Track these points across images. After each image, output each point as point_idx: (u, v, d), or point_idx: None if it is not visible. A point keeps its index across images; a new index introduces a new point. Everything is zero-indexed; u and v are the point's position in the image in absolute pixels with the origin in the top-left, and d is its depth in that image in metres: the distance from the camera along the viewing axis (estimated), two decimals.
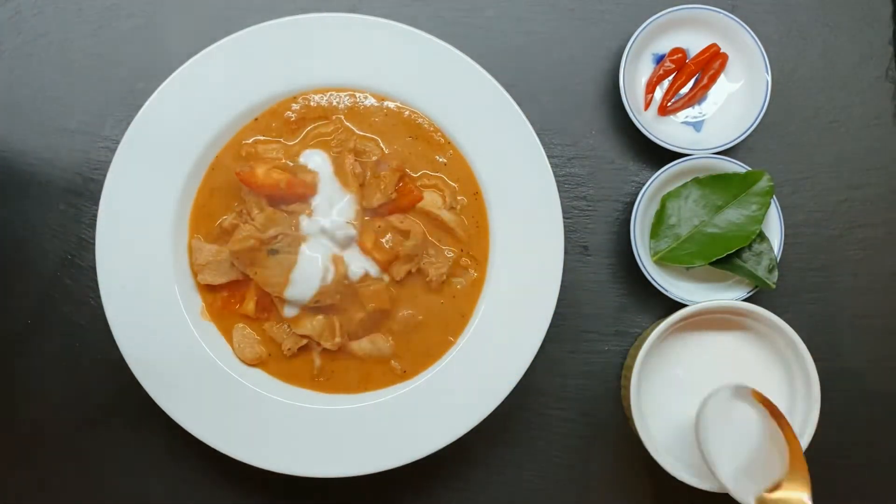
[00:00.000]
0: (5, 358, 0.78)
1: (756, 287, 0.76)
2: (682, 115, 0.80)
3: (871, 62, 0.82)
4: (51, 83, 0.80)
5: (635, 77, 0.79)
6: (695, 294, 0.76)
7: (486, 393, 0.72)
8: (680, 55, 0.79)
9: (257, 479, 0.76)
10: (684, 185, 0.76)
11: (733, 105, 0.79)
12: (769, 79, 0.76)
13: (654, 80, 0.79)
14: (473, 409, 0.72)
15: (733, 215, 0.75)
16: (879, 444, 0.80)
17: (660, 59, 0.79)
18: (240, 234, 0.71)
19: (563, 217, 0.73)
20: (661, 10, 0.77)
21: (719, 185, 0.75)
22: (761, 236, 0.75)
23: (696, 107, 0.80)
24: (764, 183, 0.74)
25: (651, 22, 0.77)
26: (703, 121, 0.80)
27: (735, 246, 0.74)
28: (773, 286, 0.74)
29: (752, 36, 0.77)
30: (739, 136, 0.76)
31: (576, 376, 0.79)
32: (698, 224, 0.76)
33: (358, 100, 0.75)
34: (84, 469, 0.78)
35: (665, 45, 0.79)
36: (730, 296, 0.76)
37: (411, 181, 0.75)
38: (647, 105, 0.79)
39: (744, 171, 0.75)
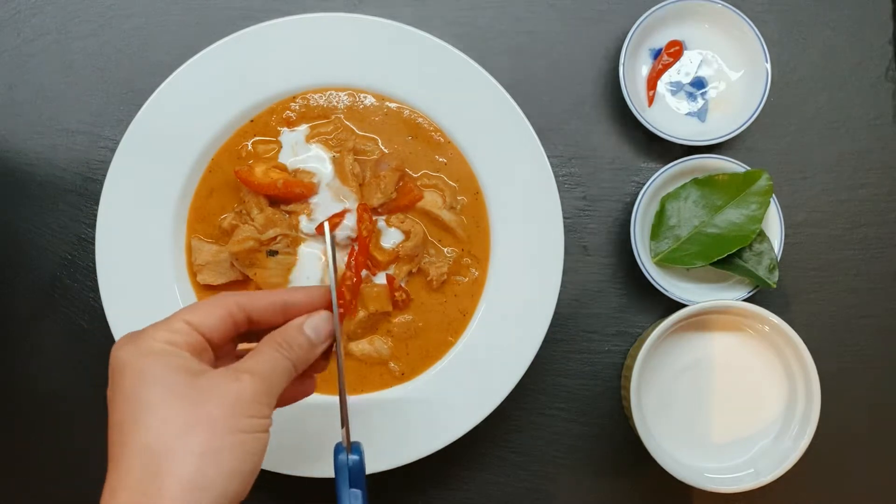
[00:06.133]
0: (5, 358, 0.78)
1: (756, 287, 0.76)
2: (685, 108, 0.80)
3: (871, 62, 0.82)
4: (51, 83, 0.80)
5: (635, 74, 0.79)
6: (695, 294, 0.76)
7: (485, 393, 0.72)
8: (677, 48, 0.79)
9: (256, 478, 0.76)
10: (683, 186, 0.76)
11: (735, 95, 0.79)
12: (769, 67, 0.76)
13: (654, 74, 0.79)
14: (473, 409, 0.72)
15: (733, 215, 0.75)
16: (880, 444, 0.80)
17: (657, 54, 0.80)
18: (239, 234, 0.71)
19: (563, 217, 0.73)
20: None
21: (719, 185, 0.75)
22: (762, 236, 0.75)
23: (700, 99, 0.80)
24: (763, 182, 0.74)
25: (647, 16, 0.77)
26: (706, 112, 0.80)
27: (736, 246, 0.74)
28: (774, 286, 0.74)
29: (749, 25, 0.77)
30: (743, 125, 0.76)
31: (576, 376, 0.79)
32: (698, 224, 0.76)
33: (357, 99, 0.75)
34: (84, 469, 0.78)
35: (661, 40, 0.79)
36: (730, 296, 0.76)
37: (411, 181, 0.75)
38: (651, 101, 0.79)
39: (743, 170, 0.75)
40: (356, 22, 0.74)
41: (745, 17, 0.77)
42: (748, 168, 0.76)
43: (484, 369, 0.72)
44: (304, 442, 0.72)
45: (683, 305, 0.73)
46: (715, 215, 0.75)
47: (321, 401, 0.73)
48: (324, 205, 0.73)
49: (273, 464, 0.71)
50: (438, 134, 0.75)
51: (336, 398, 0.74)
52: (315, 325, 0.54)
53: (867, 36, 0.82)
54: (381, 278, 0.74)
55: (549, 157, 0.73)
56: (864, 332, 0.80)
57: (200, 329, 0.50)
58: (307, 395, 0.58)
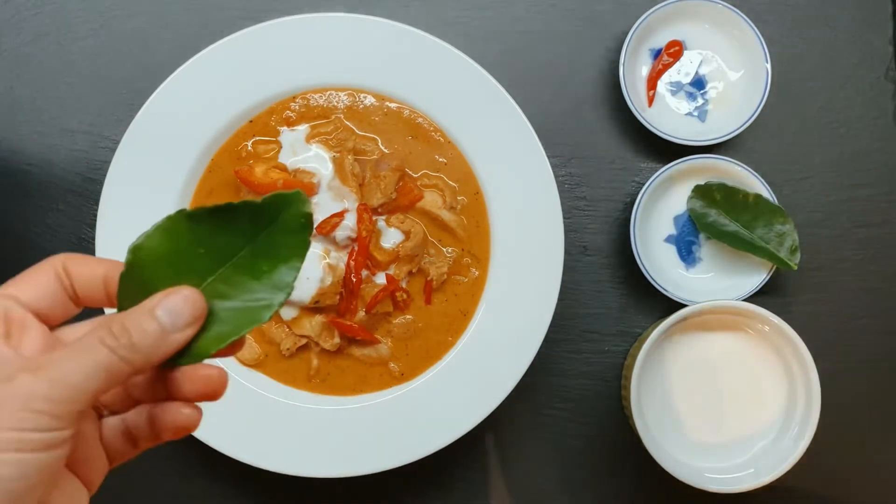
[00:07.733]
0: None
1: (756, 288, 0.76)
2: (685, 107, 0.80)
3: (871, 62, 0.82)
4: (51, 83, 0.80)
5: (634, 74, 0.79)
6: (695, 294, 0.76)
7: (485, 394, 0.72)
8: (677, 48, 0.79)
9: (256, 478, 0.76)
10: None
11: (735, 95, 0.79)
12: (769, 67, 0.76)
13: (655, 74, 0.79)
14: (473, 410, 0.72)
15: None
16: (880, 444, 0.80)
17: (657, 54, 0.80)
18: None
19: (563, 217, 0.73)
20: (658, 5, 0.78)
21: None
22: (784, 217, 0.75)
23: (700, 99, 0.80)
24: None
25: (648, 16, 0.77)
26: (706, 112, 0.80)
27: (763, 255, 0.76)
28: (795, 267, 0.75)
29: (749, 25, 0.77)
30: (743, 125, 0.76)
31: (576, 376, 0.79)
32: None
33: (357, 99, 0.75)
34: None
35: (661, 40, 0.79)
36: (730, 296, 0.76)
37: (411, 181, 0.75)
38: (651, 101, 0.79)
39: (743, 171, 0.75)
40: (356, 22, 0.74)
41: (745, 17, 0.77)
42: (748, 168, 0.76)
43: (484, 369, 0.72)
44: (301, 442, 0.72)
45: (683, 305, 0.73)
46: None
47: (318, 402, 0.73)
48: (324, 205, 0.73)
49: (272, 463, 0.71)
50: (438, 134, 0.75)
51: (330, 397, 0.74)
52: (172, 308, 0.39)
53: (867, 36, 0.82)
54: (381, 278, 0.74)
55: (549, 157, 0.73)
56: (864, 332, 0.80)
57: (18, 298, 0.39)
58: (190, 421, 0.41)
